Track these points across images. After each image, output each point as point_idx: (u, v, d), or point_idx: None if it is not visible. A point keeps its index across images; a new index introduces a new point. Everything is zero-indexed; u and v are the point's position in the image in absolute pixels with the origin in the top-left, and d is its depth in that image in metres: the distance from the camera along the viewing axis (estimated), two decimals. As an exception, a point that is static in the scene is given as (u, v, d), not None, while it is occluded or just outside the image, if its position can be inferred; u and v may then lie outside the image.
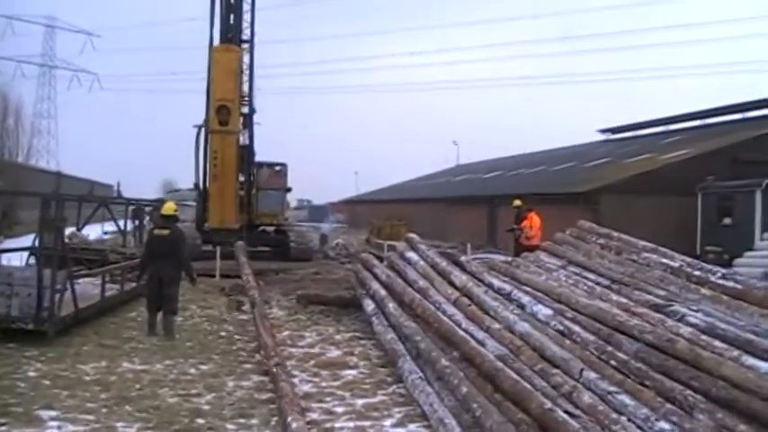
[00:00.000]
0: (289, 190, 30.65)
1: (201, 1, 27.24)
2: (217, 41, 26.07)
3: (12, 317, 12.53)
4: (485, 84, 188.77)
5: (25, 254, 17.43)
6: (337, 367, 11.75)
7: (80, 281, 16.90)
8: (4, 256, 17.40)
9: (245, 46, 27.83)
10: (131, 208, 26.12)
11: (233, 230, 24.00)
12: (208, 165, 25.23)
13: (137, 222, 27.38)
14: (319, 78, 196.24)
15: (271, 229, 30.58)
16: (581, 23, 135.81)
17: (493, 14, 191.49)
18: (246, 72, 27.95)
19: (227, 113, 24.40)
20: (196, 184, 26.06)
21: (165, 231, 14.35)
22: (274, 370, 10.43)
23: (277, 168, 30.19)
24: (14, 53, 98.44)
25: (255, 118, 29.11)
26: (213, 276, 22.37)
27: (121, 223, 23.41)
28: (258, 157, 29.71)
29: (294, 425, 7.99)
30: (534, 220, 23.28)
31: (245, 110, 27.94)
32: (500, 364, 8.70)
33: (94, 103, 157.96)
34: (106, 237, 28.80)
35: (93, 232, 27.51)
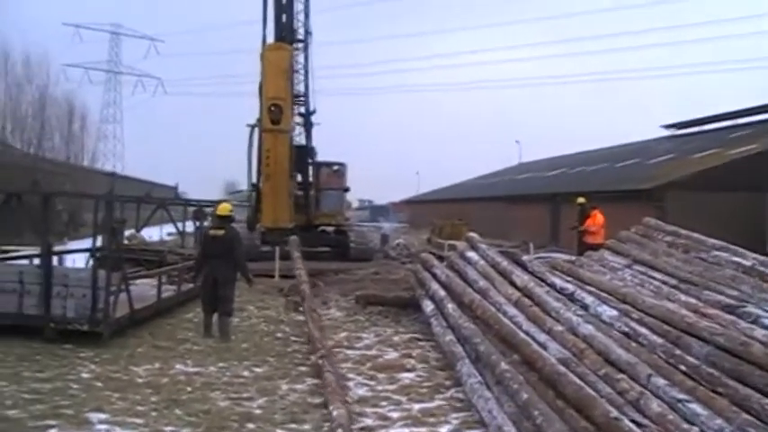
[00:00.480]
0: (347, 190, 30.47)
1: (258, 5, 27.21)
2: (270, 42, 25.97)
3: (67, 318, 12.49)
4: (547, 81, 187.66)
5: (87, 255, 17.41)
6: (394, 370, 11.45)
7: (138, 282, 16.95)
8: (69, 257, 17.47)
9: (299, 45, 27.80)
10: (192, 209, 26.19)
11: (287, 230, 23.73)
12: (261, 164, 25.05)
13: (198, 223, 27.38)
14: (381, 78, 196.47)
15: (331, 229, 30.46)
16: (642, 18, 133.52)
17: (553, 11, 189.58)
18: (301, 72, 27.93)
19: (280, 112, 24.25)
20: (254, 185, 25.96)
21: (221, 232, 14.15)
22: (319, 362, 10.68)
23: (335, 168, 30.07)
24: (82, 60, 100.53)
25: (315, 118, 29.18)
26: (272, 277, 22.23)
27: (180, 224, 23.45)
28: (320, 158, 29.97)
29: (335, 413, 7.79)
30: (597, 217, 22.80)
31: (302, 109, 27.93)
32: (562, 369, 8.30)
33: (159, 107, 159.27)
34: (169, 238, 28.81)
35: (155, 234, 27.63)
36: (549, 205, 40.06)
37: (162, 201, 21.52)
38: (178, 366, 11.24)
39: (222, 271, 13.83)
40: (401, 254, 31.68)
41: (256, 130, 25.29)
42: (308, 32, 28.14)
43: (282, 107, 24.25)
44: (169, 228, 25.17)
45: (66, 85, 70.34)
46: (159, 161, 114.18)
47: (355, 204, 78.55)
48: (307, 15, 28.08)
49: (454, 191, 73.92)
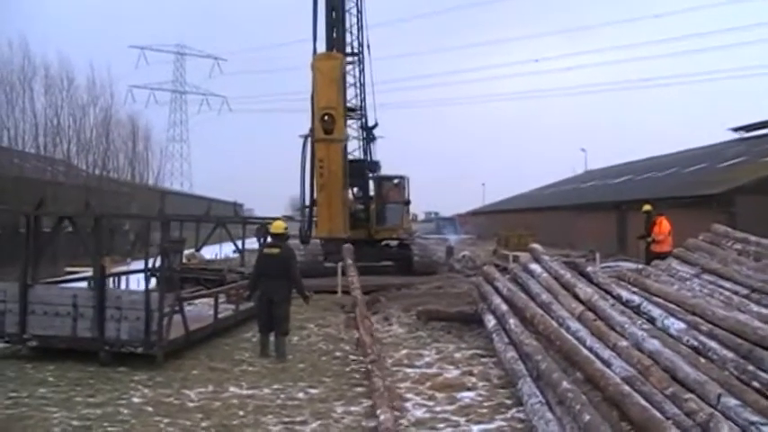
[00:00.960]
0: (408, 203, 30.03)
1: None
2: (321, 51, 25.85)
3: (121, 341, 12.44)
4: (609, 87, 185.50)
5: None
6: (454, 389, 11.08)
7: (197, 302, 16.89)
8: (133, 278, 17.43)
9: (354, 59, 27.80)
10: (254, 227, 26.05)
11: (345, 241, 23.46)
12: (315, 174, 24.87)
13: (262, 241, 27.23)
14: (446, 90, 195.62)
15: (394, 243, 30.17)
16: (705, 20, 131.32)
17: (614, 17, 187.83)
18: (356, 84, 27.83)
19: (332, 121, 23.87)
20: (313, 199, 25.75)
21: (276, 250, 13.96)
22: (369, 367, 10.84)
23: (395, 181, 29.80)
24: (148, 81, 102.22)
25: (378, 132, 29.25)
26: (335, 293, 22.00)
27: (240, 242, 23.35)
28: (386, 171, 30.03)
29: (383, 417, 7.52)
30: (663, 225, 22.20)
31: (358, 123, 27.84)
32: (627, 388, 7.88)
33: (224, 125, 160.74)
34: (235, 256, 28.76)
35: (215, 252, 27.62)
36: (615, 213, 39.38)
37: (220, 219, 21.36)
38: (232, 389, 11.02)
39: (277, 291, 13.63)
40: (466, 266, 31.18)
41: (309, 140, 25.12)
42: (361, 46, 28.00)
43: (335, 116, 23.92)
44: (231, 246, 25.03)
45: (132, 106, 71.70)
46: (225, 178, 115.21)
47: (421, 217, 78.18)
48: (360, 29, 27.91)
49: (520, 201, 73.37)
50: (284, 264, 13.77)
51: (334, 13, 26.01)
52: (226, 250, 29.28)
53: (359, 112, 28.27)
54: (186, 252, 21.35)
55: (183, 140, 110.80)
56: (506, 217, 64.81)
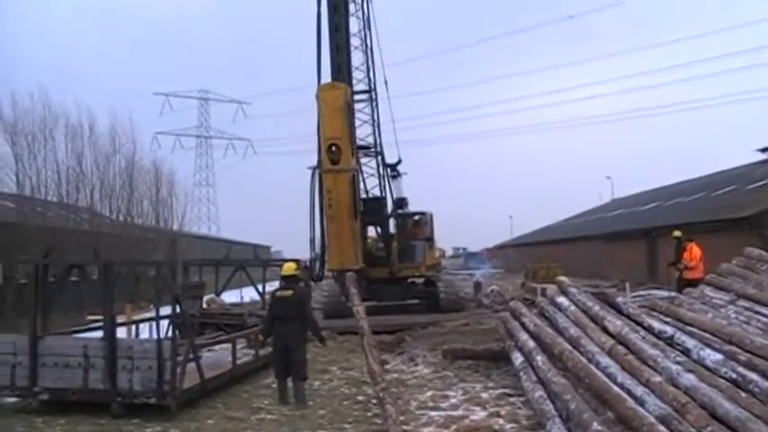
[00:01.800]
0: (429, 239, 29.53)
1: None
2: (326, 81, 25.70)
3: (134, 391, 12.03)
4: (631, 115, 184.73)
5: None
6: (481, 432, 10.56)
7: (217, 347, 16.48)
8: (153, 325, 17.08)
9: (365, 97, 28.06)
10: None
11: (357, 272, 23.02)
12: (324, 206, 24.57)
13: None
14: (470, 125, 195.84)
15: (419, 280, 29.77)
16: (718, 43, 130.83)
17: (627, 45, 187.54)
18: (370, 122, 27.92)
19: (338, 152, 23.56)
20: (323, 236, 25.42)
21: (288, 292, 13.42)
22: (380, 395, 10.78)
23: (416, 218, 29.49)
24: (173, 127, 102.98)
25: (402, 168, 29.78)
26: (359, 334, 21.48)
27: (261, 286, 23.01)
28: (412, 207, 29.96)
29: None
30: (693, 250, 21.71)
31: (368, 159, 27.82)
32: (662, 428, 7.36)
33: (250, 168, 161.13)
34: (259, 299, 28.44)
35: (235, 297, 27.24)
36: (644, 241, 38.80)
37: (240, 262, 21.01)
38: (247, 440, 10.57)
39: (292, 335, 13.15)
40: (495, 301, 30.66)
41: (317, 173, 24.88)
42: (373, 83, 28.18)
43: (341, 146, 23.63)
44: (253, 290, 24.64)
45: (158, 153, 71.98)
46: (253, 221, 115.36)
47: (449, 252, 77.65)
48: (369, 67, 28.03)
49: (548, 233, 72.89)
50: (298, 306, 13.32)
51: (338, 50, 25.83)
52: (251, 294, 28.86)
53: (373, 149, 28.00)
54: (206, 297, 21.03)
55: (210, 185, 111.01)
56: (534, 249, 64.37)
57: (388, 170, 29.03)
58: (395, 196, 29.79)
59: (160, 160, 59.11)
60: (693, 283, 18.32)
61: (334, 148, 23.45)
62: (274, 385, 14.10)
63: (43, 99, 40.80)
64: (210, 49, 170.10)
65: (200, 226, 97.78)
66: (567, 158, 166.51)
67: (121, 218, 46.83)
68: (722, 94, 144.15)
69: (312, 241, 24.55)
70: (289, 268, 13.88)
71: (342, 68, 25.71)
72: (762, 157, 46.40)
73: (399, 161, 30.24)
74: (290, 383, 13.10)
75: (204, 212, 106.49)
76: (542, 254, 53.37)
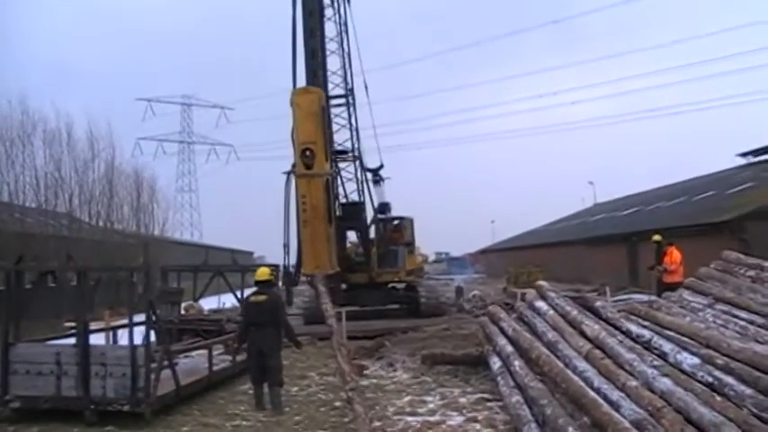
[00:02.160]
0: (408, 245, 29.56)
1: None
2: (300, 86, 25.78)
3: (107, 398, 11.85)
4: (614, 120, 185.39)
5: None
6: (457, 438, 10.49)
7: (194, 354, 16.35)
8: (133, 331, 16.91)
9: (342, 101, 28.27)
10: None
11: (332, 278, 23.22)
12: (298, 211, 24.55)
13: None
14: (451, 130, 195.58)
15: (400, 285, 29.79)
16: (705, 48, 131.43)
17: (611, 50, 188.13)
18: (348, 126, 28.23)
19: (312, 156, 23.36)
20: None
21: (262, 297, 13.30)
22: (349, 395, 11.05)
23: (395, 223, 29.53)
24: (155, 133, 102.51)
25: (384, 173, 29.85)
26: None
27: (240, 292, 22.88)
28: (396, 212, 30.25)
29: None
30: (674, 254, 21.67)
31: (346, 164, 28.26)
32: (637, 433, 7.30)
33: (232, 174, 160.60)
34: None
35: (223, 303, 27.14)
36: (625, 245, 38.84)
37: (218, 268, 20.85)
38: (221, 447, 10.44)
39: (267, 341, 13.03)
40: (476, 306, 30.65)
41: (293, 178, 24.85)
42: (350, 88, 28.28)
43: (314, 151, 23.43)
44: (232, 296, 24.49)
45: (140, 158, 71.79)
46: (236, 227, 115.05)
47: (432, 257, 77.62)
48: (347, 71, 28.13)
49: (530, 237, 72.86)
50: (272, 311, 13.23)
51: (313, 54, 25.58)
52: (231, 300, 28.73)
53: (351, 154, 28.06)
54: (184, 303, 20.89)
55: (192, 191, 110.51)
56: (516, 254, 64.39)
57: (370, 175, 28.99)
58: (378, 201, 29.79)
59: (141, 166, 59.04)
60: (673, 287, 18.33)
61: (308, 153, 23.30)
62: (251, 391, 13.98)
63: (22, 104, 40.61)
64: (193, 53, 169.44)
65: (183, 232, 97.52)
66: (550, 163, 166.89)
67: (101, 223, 46.55)
68: (703, 100, 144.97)
69: (285, 246, 24.45)
70: (263, 273, 13.74)
71: (317, 73, 25.51)
72: (742, 161, 46.62)
73: (381, 166, 30.26)
74: (266, 389, 12.99)
75: (186, 218, 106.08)
76: (524, 258, 53.37)
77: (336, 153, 27.35)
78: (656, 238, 23.56)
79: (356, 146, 28.52)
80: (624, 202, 58.07)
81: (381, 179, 30.19)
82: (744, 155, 46.39)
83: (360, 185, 28.62)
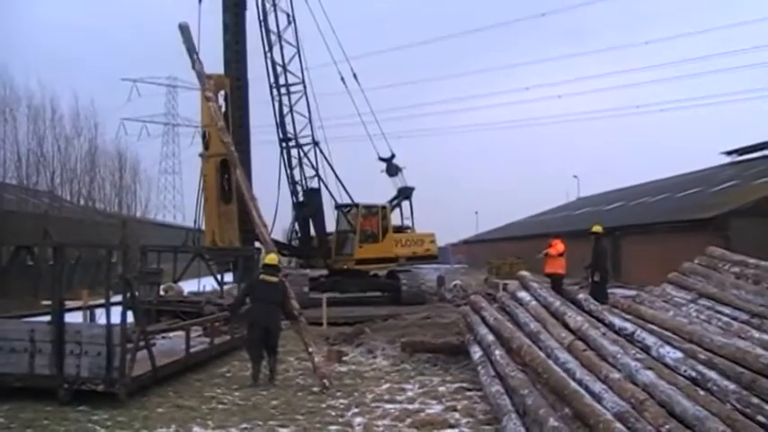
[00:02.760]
0: (384, 232, 29.61)
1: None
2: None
3: (81, 378, 11.61)
4: (600, 115, 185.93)
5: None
6: (435, 427, 10.33)
7: (172, 335, 16.17)
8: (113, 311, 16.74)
9: (295, 90, 28.87)
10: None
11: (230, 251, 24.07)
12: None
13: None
14: (437, 119, 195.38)
15: (382, 273, 29.85)
16: (693, 46, 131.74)
17: (603, 44, 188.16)
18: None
19: (208, 137, 25.41)
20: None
21: (275, 278, 14.32)
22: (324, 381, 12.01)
23: (364, 211, 29.80)
24: (140, 114, 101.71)
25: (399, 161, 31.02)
26: (320, 325, 21.27)
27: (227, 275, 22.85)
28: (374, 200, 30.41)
29: None
30: (558, 246, 21.58)
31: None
32: (619, 426, 7.18)
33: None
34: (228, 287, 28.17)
35: (205, 285, 26.98)
36: (609, 240, 38.78)
37: (198, 249, 20.68)
38: (196, 429, 10.24)
39: (273, 318, 14.00)
40: (457, 296, 30.67)
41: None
42: (286, 78, 28.73)
43: (210, 133, 25.06)
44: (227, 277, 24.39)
45: (123, 139, 71.23)
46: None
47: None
48: (284, 67, 28.59)
49: (513, 229, 72.87)
50: (281, 291, 14.29)
51: (227, 46, 27.41)
52: (211, 282, 28.58)
53: (294, 140, 28.69)
54: (164, 285, 20.70)
55: (176, 173, 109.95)
56: (499, 245, 64.36)
57: (327, 168, 29.34)
58: (399, 186, 30.86)
59: (124, 146, 58.65)
60: (556, 278, 19.87)
61: (206, 135, 25.36)
62: (228, 374, 14.17)
63: (4, 78, 40.15)
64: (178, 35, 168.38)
65: (165, 214, 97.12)
66: (535, 156, 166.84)
67: (83, 202, 46.20)
68: (690, 97, 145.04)
69: (195, 222, 26.31)
70: (272, 259, 14.83)
71: (230, 63, 27.17)
72: (727, 159, 46.68)
73: (393, 156, 31.01)
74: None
75: (170, 200, 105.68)
76: (507, 250, 53.33)
77: (285, 139, 28.63)
78: (597, 228, 22.60)
79: (313, 133, 28.94)
80: (608, 197, 58.20)
81: (397, 169, 30.87)
82: (729, 153, 46.48)
83: (317, 172, 28.98)
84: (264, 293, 14.05)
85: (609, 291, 22.06)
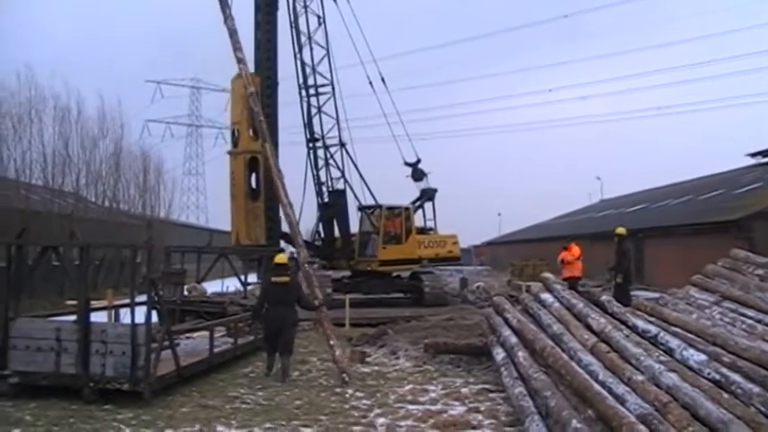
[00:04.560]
0: (407, 233, 29.57)
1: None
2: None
3: (106, 377, 11.74)
4: (624, 117, 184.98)
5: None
6: (458, 428, 10.36)
7: (195, 335, 16.29)
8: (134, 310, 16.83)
9: (323, 91, 28.92)
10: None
11: (260, 248, 24.34)
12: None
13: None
14: (460, 121, 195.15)
15: (405, 274, 29.88)
16: (712, 48, 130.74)
17: (622, 46, 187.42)
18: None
19: (237, 135, 25.57)
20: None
21: (286, 279, 14.82)
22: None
23: (387, 212, 29.84)
24: (164, 115, 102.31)
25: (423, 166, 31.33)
26: (343, 326, 21.33)
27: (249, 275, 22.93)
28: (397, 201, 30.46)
29: None
30: (573, 249, 21.96)
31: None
32: (642, 428, 7.17)
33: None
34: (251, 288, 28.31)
35: (229, 286, 27.14)
36: (632, 242, 38.60)
37: (222, 250, 20.76)
38: (220, 429, 10.31)
39: (288, 317, 14.52)
40: (480, 297, 30.64)
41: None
42: (315, 81, 28.83)
43: (240, 130, 25.46)
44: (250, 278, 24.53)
45: (147, 140, 71.55)
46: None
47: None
48: (313, 68, 28.70)
49: (536, 231, 72.65)
50: (293, 291, 14.84)
51: (258, 45, 27.16)
52: (235, 283, 28.72)
53: (321, 141, 28.80)
54: (188, 285, 20.81)
55: (199, 174, 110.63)
56: (522, 247, 64.21)
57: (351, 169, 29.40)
58: (422, 189, 31.14)
59: (148, 147, 58.86)
60: (573, 282, 20.17)
61: (235, 132, 25.55)
62: (252, 374, 14.32)
63: (30, 80, 40.28)
64: (204, 37, 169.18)
65: (189, 215, 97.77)
66: (558, 158, 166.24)
67: (107, 203, 46.36)
68: (714, 98, 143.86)
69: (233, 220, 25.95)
70: (281, 258, 15.51)
71: (261, 63, 26.99)
72: (751, 161, 46.25)
73: (419, 160, 31.21)
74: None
75: (193, 201, 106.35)
76: (530, 252, 53.23)
77: (312, 140, 28.78)
78: (620, 230, 22.73)
79: (340, 135, 28.98)
80: (631, 199, 57.86)
81: (423, 173, 31.15)
82: (753, 155, 45.98)
83: (343, 174, 29.00)
84: (276, 296, 14.62)
85: (632, 293, 22.05)
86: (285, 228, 22.97)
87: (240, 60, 18.38)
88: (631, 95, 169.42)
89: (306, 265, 16.32)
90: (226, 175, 26.02)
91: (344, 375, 13.79)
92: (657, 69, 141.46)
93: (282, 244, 26.06)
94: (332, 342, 14.60)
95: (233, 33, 18.24)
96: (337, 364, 14.21)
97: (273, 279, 14.84)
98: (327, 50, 28.59)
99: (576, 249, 22.00)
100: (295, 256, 24.09)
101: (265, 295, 15.06)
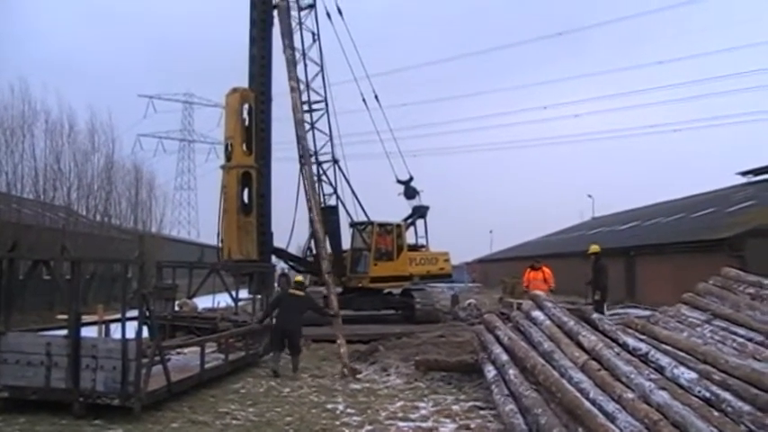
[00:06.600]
0: (399, 250, 29.52)
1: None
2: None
3: (97, 392, 11.70)
4: (616, 135, 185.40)
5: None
6: (448, 446, 10.35)
7: (186, 350, 16.25)
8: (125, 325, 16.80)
9: (316, 107, 28.98)
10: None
11: (251, 263, 24.40)
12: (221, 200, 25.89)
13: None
14: (451, 138, 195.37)
15: (396, 291, 29.85)
16: (707, 67, 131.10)
17: (614, 64, 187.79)
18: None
19: (231, 149, 25.30)
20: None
21: (301, 293, 17.74)
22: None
23: (379, 229, 29.62)
24: (156, 129, 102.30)
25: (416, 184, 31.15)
26: (334, 342, 21.25)
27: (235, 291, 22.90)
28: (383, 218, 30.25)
29: None
30: (545, 271, 22.39)
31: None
32: (633, 446, 7.17)
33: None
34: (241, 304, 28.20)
35: (220, 301, 27.08)
36: (623, 260, 38.67)
37: (213, 265, 20.75)
38: (210, 445, 10.29)
39: (295, 325, 17.18)
40: (471, 314, 30.57)
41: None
42: (310, 98, 28.77)
43: (233, 144, 25.23)
44: (243, 293, 24.47)
45: (139, 154, 71.45)
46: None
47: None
48: (307, 85, 28.60)
49: (527, 248, 72.66)
50: (306, 304, 17.78)
51: (252, 60, 26.80)
52: (226, 299, 28.68)
53: (314, 157, 28.41)
54: (179, 300, 20.78)
55: (191, 189, 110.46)
56: (513, 264, 64.16)
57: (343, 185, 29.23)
58: (414, 206, 31.00)
59: (140, 161, 58.79)
60: None
61: (229, 147, 25.22)
62: (243, 390, 14.44)
63: (23, 94, 40.23)
64: (197, 52, 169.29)
65: (180, 230, 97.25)
66: (550, 175, 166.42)
67: (99, 218, 46.24)
68: (706, 117, 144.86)
69: (218, 234, 25.50)
70: (300, 278, 19.66)
71: (255, 77, 26.75)
72: (743, 180, 46.42)
73: (411, 178, 31.05)
74: (284, 355, 17.00)
75: (185, 216, 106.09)
76: (521, 269, 53.05)
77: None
78: (594, 248, 23.13)
79: (333, 151, 28.93)
80: (623, 217, 57.99)
81: (415, 192, 31.03)
82: (744, 173, 46.19)
83: (336, 190, 28.87)
84: (290, 303, 17.24)
85: (623, 311, 22.18)
86: (277, 243, 23.23)
87: (293, 90, 18.76)
88: (624, 114, 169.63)
89: (327, 275, 19.08)
90: (218, 191, 25.91)
91: (345, 370, 16.54)
92: (650, 88, 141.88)
93: (274, 259, 26.06)
94: (339, 341, 17.65)
95: (289, 63, 18.50)
96: (341, 359, 17.05)
97: (291, 291, 17.81)
98: (321, 67, 28.61)
99: (546, 271, 22.14)
100: (286, 272, 24.70)
101: (278, 304, 17.59)
